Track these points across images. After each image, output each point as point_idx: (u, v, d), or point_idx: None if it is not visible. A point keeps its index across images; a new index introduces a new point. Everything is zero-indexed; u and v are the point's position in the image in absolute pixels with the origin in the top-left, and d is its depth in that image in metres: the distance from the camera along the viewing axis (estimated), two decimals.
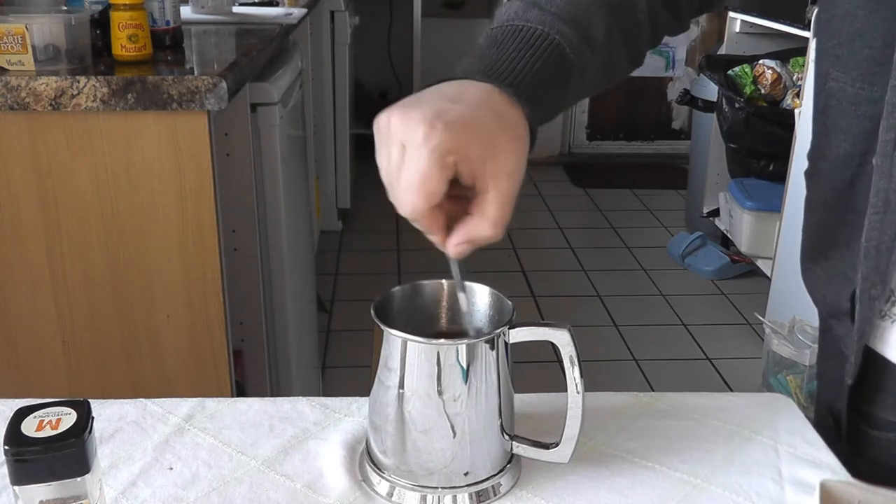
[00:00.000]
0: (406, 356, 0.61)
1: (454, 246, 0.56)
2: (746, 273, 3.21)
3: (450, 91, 0.58)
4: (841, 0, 0.68)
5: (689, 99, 3.41)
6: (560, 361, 0.63)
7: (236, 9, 2.27)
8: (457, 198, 0.56)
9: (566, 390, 0.62)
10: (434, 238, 0.57)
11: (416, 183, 0.53)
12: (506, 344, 0.62)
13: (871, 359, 0.71)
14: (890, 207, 0.64)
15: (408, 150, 0.54)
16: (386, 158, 0.56)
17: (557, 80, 0.63)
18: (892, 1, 0.61)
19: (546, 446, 0.65)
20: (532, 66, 0.61)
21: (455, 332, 0.67)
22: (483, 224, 0.55)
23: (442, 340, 0.61)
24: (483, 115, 0.56)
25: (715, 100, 3.15)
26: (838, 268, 0.71)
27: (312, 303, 2.24)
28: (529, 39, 0.63)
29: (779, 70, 3.02)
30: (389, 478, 0.64)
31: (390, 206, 0.57)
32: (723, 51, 3.33)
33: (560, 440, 0.64)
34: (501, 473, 0.65)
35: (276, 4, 2.48)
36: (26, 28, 1.22)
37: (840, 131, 0.70)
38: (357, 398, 0.76)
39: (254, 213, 1.62)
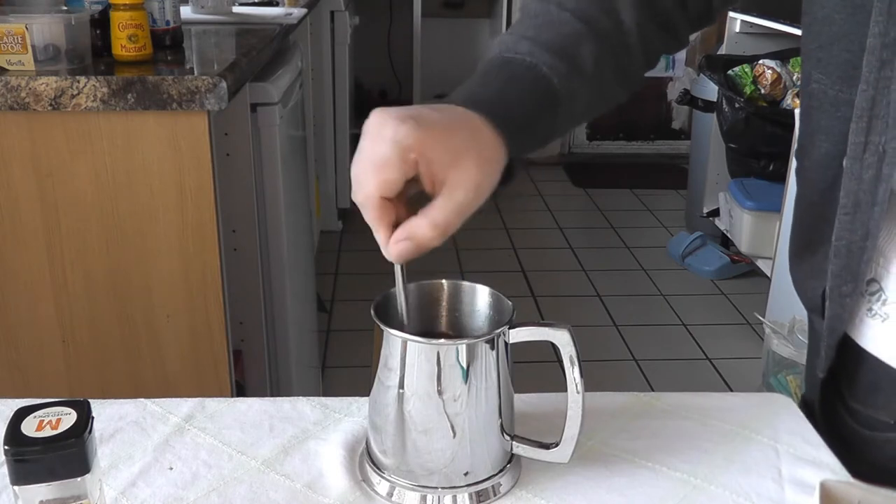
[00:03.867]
0: (406, 356, 0.61)
1: (395, 242, 0.57)
2: (746, 273, 3.21)
3: (432, 105, 0.60)
4: (821, 4, 0.69)
5: (689, 99, 3.41)
6: (560, 361, 0.63)
7: (236, 9, 2.27)
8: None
9: (566, 390, 0.62)
10: (378, 236, 0.58)
11: (375, 168, 0.55)
12: (506, 344, 0.62)
13: (861, 358, 0.71)
14: (860, 208, 0.65)
15: (376, 141, 0.56)
16: (358, 152, 0.57)
17: (544, 111, 0.64)
18: (867, 6, 0.62)
19: (546, 446, 0.65)
20: (517, 97, 0.63)
21: (455, 332, 0.67)
22: (424, 223, 0.56)
23: (442, 340, 0.61)
24: (457, 128, 0.58)
25: (715, 100, 3.15)
26: (820, 265, 0.72)
27: (312, 303, 2.24)
28: (516, 70, 0.65)
29: (779, 70, 3.02)
30: (389, 478, 0.64)
31: None
32: (723, 51, 3.33)
33: (560, 440, 0.64)
34: (501, 473, 0.65)
35: (276, 4, 2.48)
36: (26, 28, 1.22)
37: (822, 132, 0.71)
38: (357, 398, 0.76)
39: (254, 213, 1.62)
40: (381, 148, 0.55)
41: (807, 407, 0.79)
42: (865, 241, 0.65)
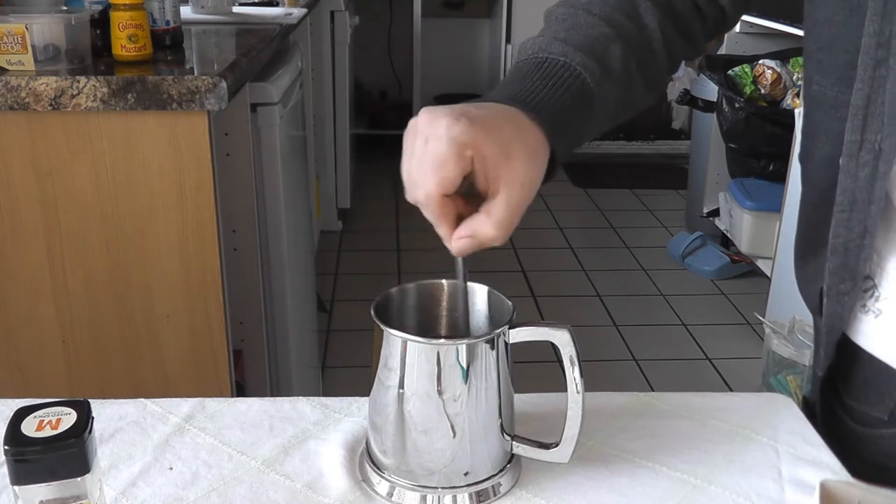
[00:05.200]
0: (406, 356, 0.61)
1: (457, 238, 0.58)
2: (746, 273, 3.21)
3: (474, 104, 0.61)
4: (821, 6, 0.69)
5: (689, 99, 3.41)
6: (560, 361, 0.63)
7: (236, 9, 2.27)
8: (472, 204, 0.59)
9: (566, 390, 0.63)
10: (441, 231, 0.58)
11: (433, 167, 0.56)
12: (506, 344, 0.62)
13: (856, 353, 0.72)
14: (856, 206, 0.65)
15: (430, 140, 0.57)
16: (409, 151, 0.58)
17: (579, 110, 0.66)
18: (866, 7, 0.62)
19: (546, 446, 0.65)
20: (554, 94, 0.64)
21: (455, 332, 0.67)
22: (487, 223, 0.57)
23: (442, 340, 0.61)
24: (504, 124, 0.59)
25: (715, 100, 3.15)
26: (822, 266, 0.72)
27: (312, 303, 2.24)
28: (552, 70, 0.66)
29: (779, 70, 3.02)
30: (389, 478, 0.64)
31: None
32: (723, 51, 3.33)
33: (560, 440, 0.64)
34: (501, 473, 0.65)
35: (276, 4, 2.48)
36: (26, 28, 1.22)
37: (822, 134, 0.72)
38: (357, 398, 0.76)
39: (254, 213, 1.62)
40: (438, 146, 0.56)
41: (808, 407, 0.80)
42: (863, 240, 0.66)
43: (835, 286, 0.69)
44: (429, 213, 0.58)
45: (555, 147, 0.61)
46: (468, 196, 0.59)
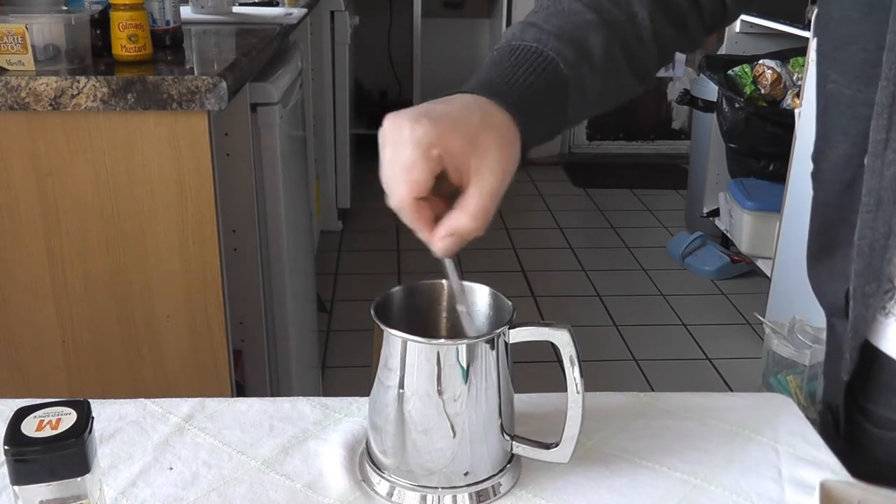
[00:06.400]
0: (406, 356, 0.61)
1: (438, 239, 0.58)
2: (746, 273, 3.21)
3: (440, 99, 0.61)
4: (837, 4, 0.69)
5: (689, 99, 3.41)
6: (560, 361, 0.63)
7: (236, 9, 2.27)
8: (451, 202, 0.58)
9: (566, 390, 0.62)
10: (421, 235, 0.58)
11: (402, 172, 0.56)
12: (506, 344, 0.62)
13: (875, 356, 0.71)
14: (882, 206, 0.65)
15: (396, 147, 0.57)
16: (382, 161, 0.58)
17: (553, 96, 0.65)
18: (885, 4, 0.62)
19: (546, 446, 0.65)
20: (524, 81, 0.63)
21: (455, 332, 0.67)
22: (463, 215, 0.57)
23: (442, 340, 0.61)
24: (468, 115, 0.59)
25: (715, 100, 3.15)
26: (839, 267, 0.72)
27: (312, 303, 2.24)
28: (524, 56, 0.65)
29: (779, 70, 3.02)
30: (389, 478, 0.64)
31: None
32: (723, 51, 3.33)
33: (560, 440, 0.64)
34: (501, 473, 0.65)
35: (276, 4, 2.48)
36: (26, 28, 1.22)
37: (839, 133, 0.71)
38: (357, 398, 0.76)
39: (254, 213, 1.62)
40: (403, 151, 0.56)
41: (830, 411, 0.79)
42: (888, 240, 0.65)
43: (860, 288, 0.68)
44: (406, 219, 0.58)
45: (524, 132, 0.61)
46: (453, 200, 0.58)
